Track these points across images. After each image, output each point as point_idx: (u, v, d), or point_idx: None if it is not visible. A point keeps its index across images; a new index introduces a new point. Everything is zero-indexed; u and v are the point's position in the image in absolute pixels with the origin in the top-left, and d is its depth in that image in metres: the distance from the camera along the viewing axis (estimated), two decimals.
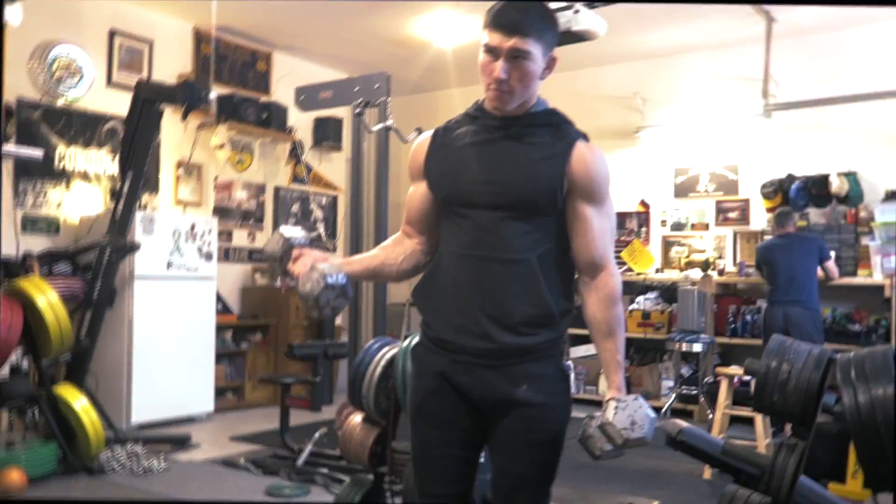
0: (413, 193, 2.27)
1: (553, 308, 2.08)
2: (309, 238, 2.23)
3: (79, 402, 5.01)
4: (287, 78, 8.27)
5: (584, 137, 2.12)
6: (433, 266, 2.20)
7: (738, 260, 7.83)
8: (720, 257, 7.99)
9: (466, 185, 2.12)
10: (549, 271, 2.09)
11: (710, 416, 6.27)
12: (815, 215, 7.41)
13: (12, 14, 4.14)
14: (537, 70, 2.04)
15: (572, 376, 8.10)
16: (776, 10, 6.94)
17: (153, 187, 7.38)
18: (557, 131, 2.11)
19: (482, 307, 2.07)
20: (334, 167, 9.24)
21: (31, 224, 6.46)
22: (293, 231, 2.25)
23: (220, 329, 7.32)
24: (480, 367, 2.09)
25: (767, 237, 7.38)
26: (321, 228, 9.14)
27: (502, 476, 2.13)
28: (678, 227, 8.31)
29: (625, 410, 1.97)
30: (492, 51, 2.02)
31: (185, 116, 6.31)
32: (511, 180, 2.07)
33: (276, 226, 8.62)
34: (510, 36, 1.98)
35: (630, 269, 8.15)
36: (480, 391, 2.10)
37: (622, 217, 8.50)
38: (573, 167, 2.06)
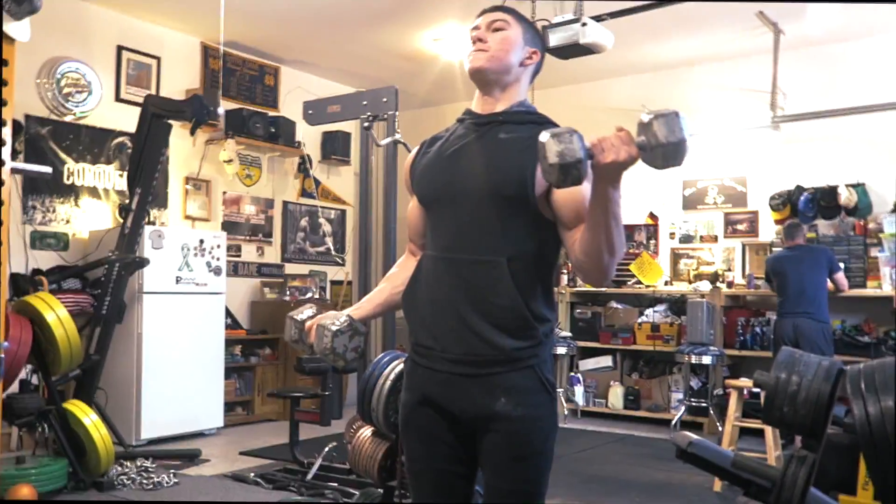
0: (411, 208, 2.27)
1: (526, 311, 2.00)
2: (316, 310, 2.30)
3: (88, 418, 5.02)
4: (295, 92, 8.33)
5: None
6: (416, 271, 2.18)
7: (747, 272, 7.81)
8: (729, 269, 7.98)
9: (440, 181, 2.12)
10: (524, 275, 2.01)
11: (720, 428, 6.25)
12: (824, 227, 7.40)
13: (20, 31, 4.15)
14: (516, 40, 2.13)
15: (581, 389, 8.08)
16: (784, 22, 6.95)
17: (162, 202, 7.40)
18: (537, 128, 2.01)
19: (456, 310, 2.03)
20: (343, 181, 9.27)
21: (39, 240, 6.48)
22: (298, 312, 2.32)
23: (229, 344, 7.34)
24: (458, 377, 2.04)
25: (776, 249, 7.36)
26: (330, 243, 9.16)
27: (490, 492, 2.09)
28: (687, 239, 8.31)
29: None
30: (476, 31, 2.14)
31: (193, 131, 6.37)
32: (481, 171, 2.05)
33: (284, 240, 8.65)
34: (492, 13, 2.15)
35: (639, 282, 8.14)
36: (460, 403, 2.05)
37: (630, 230, 8.50)
38: None
